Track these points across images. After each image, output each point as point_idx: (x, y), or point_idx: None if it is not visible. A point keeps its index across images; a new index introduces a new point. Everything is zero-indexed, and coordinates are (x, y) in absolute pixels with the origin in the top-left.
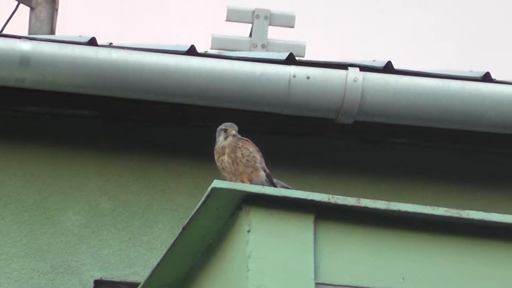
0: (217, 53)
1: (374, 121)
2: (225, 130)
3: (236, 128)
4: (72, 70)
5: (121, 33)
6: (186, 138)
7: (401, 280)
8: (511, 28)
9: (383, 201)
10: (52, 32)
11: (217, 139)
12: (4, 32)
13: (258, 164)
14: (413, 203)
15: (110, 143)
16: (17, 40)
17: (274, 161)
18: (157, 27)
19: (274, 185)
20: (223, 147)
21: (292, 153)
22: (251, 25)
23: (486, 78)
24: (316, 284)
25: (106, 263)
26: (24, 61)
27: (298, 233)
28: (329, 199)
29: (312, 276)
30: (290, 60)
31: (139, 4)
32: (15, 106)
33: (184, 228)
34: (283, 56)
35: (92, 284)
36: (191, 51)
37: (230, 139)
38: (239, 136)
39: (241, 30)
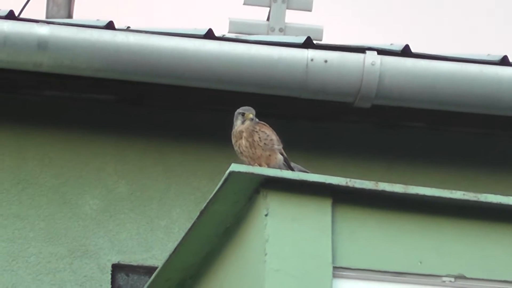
0: (234, 37)
1: (392, 105)
2: (243, 114)
3: (254, 112)
4: (89, 54)
5: (138, 17)
6: (204, 122)
7: (419, 264)
8: None
9: (400, 185)
10: (69, 16)
11: (235, 123)
12: (21, 16)
13: (276, 147)
14: (430, 186)
15: (128, 127)
16: (35, 24)
17: (291, 145)
18: (175, 11)
19: (292, 169)
20: (241, 131)
21: (310, 137)
22: (268, 8)
23: (504, 61)
24: (334, 267)
25: (123, 247)
26: (42, 45)
27: (316, 217)
28: (346, 182)
29: (330, 260)
30: (308, 43)
31: None
32: (33, 91)
33: (201, 212)
34: (301, 39)
35: (110, 268)
36: (209, 35)
37: (247, 122)
38: (257, 119)
39: (259, 14)
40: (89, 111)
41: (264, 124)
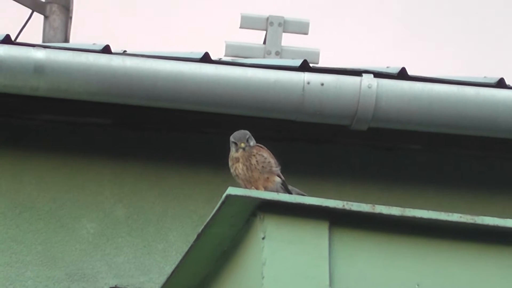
0: (231, 60)
1: (389, 127)
2: (235, 144)
3: (245, 138)
4: (86, 78)
5: (135, 40)
6: (200, 145)
7: (416, 286)
8: None
9: (397, 208)
10: (66, 40)
11: (231, 148)
12: (18, 40)
13: (274, 169)
14: (427, 209)
15: (125, 151)
16: (31, 48)
17: (288, 168)
18: (171, 35)
19: (289, 192)
20: (237, 157)
21: (306, 159)
22: (265, 32)
23: (500, 84)
24: None
25: (121, 271)
26: (38, 69)
27: (313, 239)
28: (343, 205)
29: (327, 282)
30: (304, 66)
31: (153, 11)
32: (30, 115)
33: (199, 236)
34: (297, 63)
35: None
36: (205, 58)
37: (240, 151)
38: (253, 143)
39: (255, 37)
40: (86, 135)
41: (261, 147)
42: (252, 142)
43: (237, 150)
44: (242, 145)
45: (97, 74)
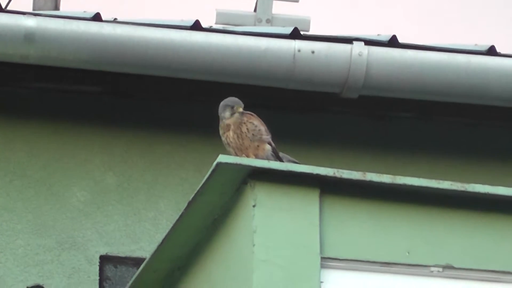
0: (221, 28)
1: (379, 95)
2: (232, 107)
3: (242, 105)
4: (76, 46)
5: (125, 8)
6: (191, 113)
7: (407, 254)
8: None
9: (388, 175)
10: (56, 8)
11: (222, 115)
12: (8, 8)
13: (264, 137)
14: (418, 177)
15: (115, 119)
16: (22, 16)
17: (279, 136)
18: (162, 2)
19: (280, 159)
20: (228, 125)
21: (297, 127)
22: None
23: (491, 51)
24: (322, 258)
25: (111, 239)
26: (29, 37)
27: (304, 207)
28: (334, 173)
29: (318, 250)
30: (295, 34)
31: None
32: (20, 83)
33: (189, 204)
34: (288, 30)
35: (97, 260)
36: (196, 26)
37: (236, 115)
38: (243, 111)
39: (246, 5)
40: (76, 103)
41: (252, 115)
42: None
43: (232, 114)
44: (240, 109)
45: (87, 42)
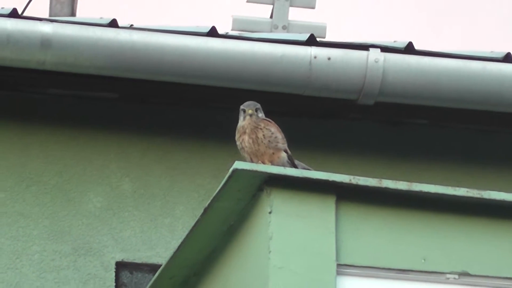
0: (238, 35)
1: (395, 102)
2: (244, 111)
3: (254, 107)
4: (93, 52)
5: (142, 14)
6: (207, 119)
7: (422, 261)
8: None
9: (404, 182)
10: (72, 14)
11: (240, 118)
12: (24, 14)
13: (280, 145)
14: (434, 184)
15: (131, 125)
16: (38, 22)
17: (295, 143)
18: (178, 9)
19: (296, 167)
20: (244, 127)
21: (313, 134)
22: (272, 6)
23: (507, 58)
24: (338, 265)
25: (127, 245)
26: (45, 43)
27: (320, 214)
28: (350, 180)
29: (334, 257)
30: (311, 41)
31: None
32: (37, 89)
33: (205, 210)
34: (304, 37)
35: (113, 266)
36: (212, 33)
37: (248, 118)
38: (261, 116)
39: (262, 11)
40: (93, 109)
41: (269, 121)
42: (261, 114)
43: (244, 118)
44: (250, 111)
45: (104, 48)
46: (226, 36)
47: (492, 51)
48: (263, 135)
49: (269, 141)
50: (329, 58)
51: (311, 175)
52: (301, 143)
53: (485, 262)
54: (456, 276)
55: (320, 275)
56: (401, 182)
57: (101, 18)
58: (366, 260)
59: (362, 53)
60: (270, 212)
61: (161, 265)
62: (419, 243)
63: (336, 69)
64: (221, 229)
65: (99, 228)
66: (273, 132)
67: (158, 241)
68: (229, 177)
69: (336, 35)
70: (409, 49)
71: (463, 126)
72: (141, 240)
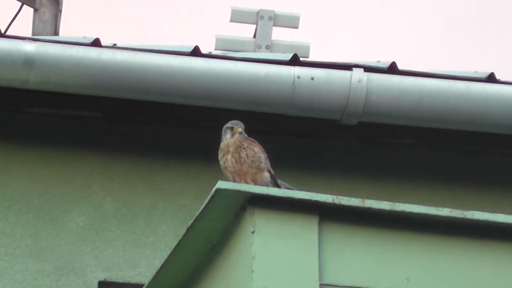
0: (221, 54)
1: (379, 122)
2: (232, 128)
3: (243, 126)
4: (76, 71)
5: (125, 34)
6: (190, 139)
7: (406, 281)
8: None
9: (387, 202)
10: (56, 33)
11: (223, 137)
12: (8, 33)
13: (263, 165)
14: (418, 204)
15: (114, 145)
16: (21, 41)
17: (278, 162)
18: (161, 28)
19: (279, 186)
20: (228, 145)
21: (297, 154)
22: (255, 25)
23: (491, 78)
24: (321, 285)
25: (110, 264)
26: (28, 62)
27: (303, 234)
28: (333, 200)
29: (317, 277)
30: (294, 60)
31: (143, 5)
32: (19, 107)
33: (188, 229)
34: (287, 56)
35: (96, 285)
36: (195, 52)
37: (236, 136)
38: (246, 135)
39: (245, 31)
40: (76, 128)
41: (252, 141)
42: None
43: (232, 135)
44: (239, 129)
45: (87, 68)
46: (209, 56)
47: (476, 71)
48: (246, 154)
49: (252, 160)
50: (312, 78)
51: (294, 194)
52: (284, 162)
53: (468, 282)
54: None
55: None
56: (384, 202)
57: (84, 37)
58: (349, 280)
59: (346, 73)
60: (253, 232)
61: (143, 285)
62: (402, 263)
63: (320, 89)
64: (203, 249)
65: (81, 248)
66: (256, 152)
67: (141, 260)
68: (212, 196)
69: (320, 55)
70: (392, 69)
71: (447, 146)
72: (123, 260)
